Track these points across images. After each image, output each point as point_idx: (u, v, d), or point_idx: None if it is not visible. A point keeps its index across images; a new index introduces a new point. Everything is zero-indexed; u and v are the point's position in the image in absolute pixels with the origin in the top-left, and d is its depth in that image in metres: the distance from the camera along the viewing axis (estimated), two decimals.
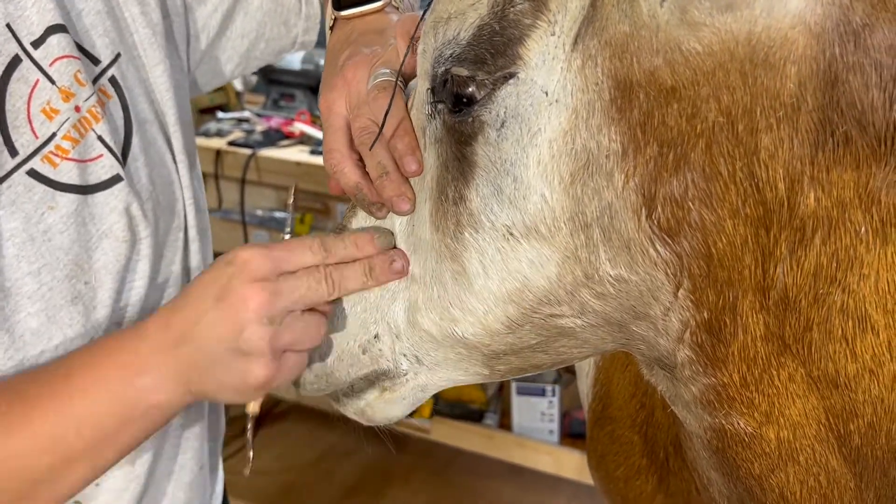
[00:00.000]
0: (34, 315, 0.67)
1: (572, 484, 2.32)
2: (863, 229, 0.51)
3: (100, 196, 0.70)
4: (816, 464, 0.60)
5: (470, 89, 0.54)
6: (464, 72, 0.53)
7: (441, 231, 0.59)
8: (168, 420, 0.66)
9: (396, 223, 0.64)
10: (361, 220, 0.67)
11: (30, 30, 0.66)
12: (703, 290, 0.53)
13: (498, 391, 2.46)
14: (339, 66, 0.70)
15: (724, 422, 0.58)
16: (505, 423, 2.37)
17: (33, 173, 0.66)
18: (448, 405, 2.39)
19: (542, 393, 2.29)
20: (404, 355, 0.65)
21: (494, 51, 0.53)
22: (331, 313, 0.65)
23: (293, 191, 0.74)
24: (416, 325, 0.63)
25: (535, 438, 2.29)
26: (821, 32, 0.47)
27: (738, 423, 0.58)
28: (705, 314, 0.54)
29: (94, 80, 0.71)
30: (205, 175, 2.53)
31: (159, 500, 0.81)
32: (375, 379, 0.67)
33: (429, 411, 2.38)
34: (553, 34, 0.52)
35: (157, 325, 0.63)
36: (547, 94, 0.53)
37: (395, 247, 0.64)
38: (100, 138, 0.69)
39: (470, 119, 0.55)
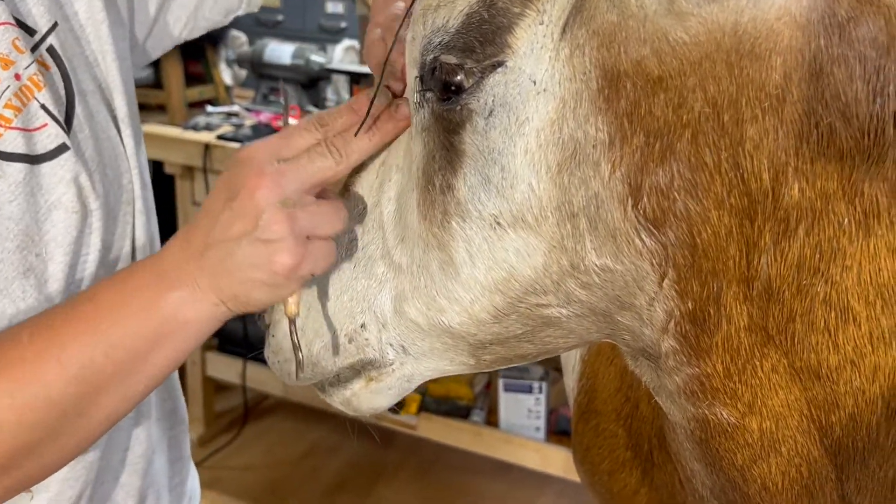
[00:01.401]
0: None
1: (559, 480, 2.32)
2: (846, 221, 0.51)
3: (47, 166, 0.68)
4: (798, 455, 0.60)
5: (458, 77, 0.54)
6: (452, 60, 0.54)
7: (428, 220, 0.59)
8: (201, 338, 0.64)
9: (384, 212, 0.64)
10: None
11: None
12: (688, 280, 0.54)
13: (485, 388, 2.46)
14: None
15: (707, 412, 0.59)
16: (492, 420, 2.37)
17: None
18: (435, 402, 2.39)
19: (530, 390, 2.30)
20: (391, 345, 0.65)
21: (483, 39, 0.53)
22: (317, 302, 0.65)
23: (284, 89, 0.74)
24: (402, 315, 0.64)
25: (521, 435, 2.30)
26: (806, 24, 0.48)
27: (721, 414, 0.58)
28: (690, 304, 0.54)
29: (33, 50, 0.69)
30: (193, 169, 2.53)
31: (112, 489, 0.80)
32: (361, 368, 0.67)
33: (416, 408, 2.38)
34: (542, 23, 0.52)
35: (177, 243, 0.62)
36: (535, 83, 0.53)
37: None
38: (43, 107, 0.68)
39: (458, 107, 0.55)
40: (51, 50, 0.71)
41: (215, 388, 2.70)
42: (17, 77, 0.67)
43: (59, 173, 0.68)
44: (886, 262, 0.53)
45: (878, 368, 0.56)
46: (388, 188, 0.64)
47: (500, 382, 2.31)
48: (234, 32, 2.76)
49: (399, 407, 2.23)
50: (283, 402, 2.76)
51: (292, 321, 0.64)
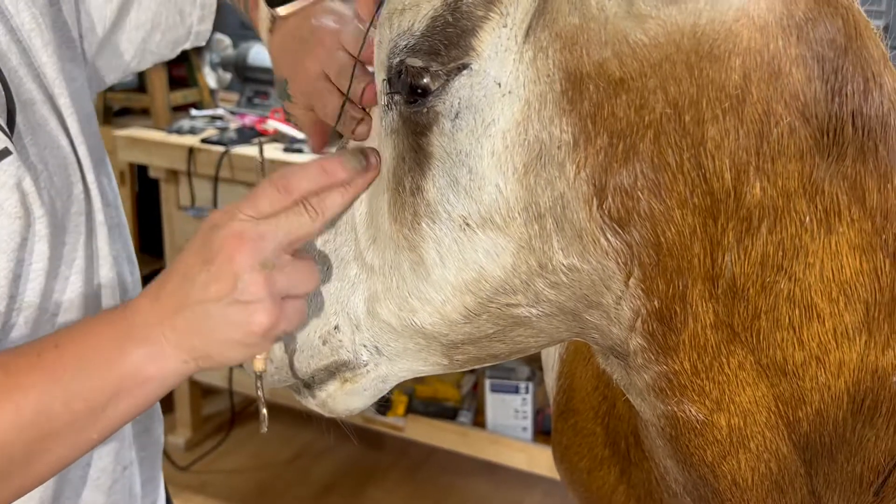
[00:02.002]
0: None
1: (546, 480, 2.33)
2: (807, 219, 0.52)
3: None
4: (767, 450, 0.61)
5: (424, 80, 0.54)
6: (418, 62, 0.54)
7: (399, 222, 0.60)
8: (162, 393, 0.64)
9: (356, 214, 0.65)
10: None
11: None
12: (653, 278, 0.54)
13: (472, 389, 2.47)
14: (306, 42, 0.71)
15: (676, 409, 0.59)
16: (479, 421, 2.38)
17: None
18: (422, 403, 2.40)
19: (516, 390, 2.31)
20: (364, 346, 0.66)
21: (448, 42, 0.53)
22: None
23: (260, 146, 0.75)
24: (375, 316, 0.64)
25: (508, 435, 2.30)
26: (764, 25, 0.49)
27: (690, 411, 0.59)
28: (656, 303, 0.55)
29: None
30: (178, 173, 2.52)
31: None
32: (336, 370, 0.68)
33: (403, 409, 2.39)
34: (505, 26, 0.53)
35: (147, 300, 0.62)
36: (500, 85, 0.53)
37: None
38: None
39: (425, 110, 0.55)
40: None
41: (202, 392, 2.70)
42: None
43: (1, 178, 0.67)
44: (848, 259, 0.53)
45: (842, 364, 0.56)
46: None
47: (487, 383, 2.31)
48: (219, 36, 2.76)
49: (386, 409, 2.22)
50: (271, 406, 2.75)
51: (259, 377, 0.66)
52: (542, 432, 2.32)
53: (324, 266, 0.66)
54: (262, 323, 0.59)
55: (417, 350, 0.64)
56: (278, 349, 0.68)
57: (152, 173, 2.44)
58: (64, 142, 0.75)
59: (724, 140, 0.50)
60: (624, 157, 0.51)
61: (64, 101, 0.76)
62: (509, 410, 2.32)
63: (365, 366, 0.67)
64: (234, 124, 2.49)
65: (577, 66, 0.51)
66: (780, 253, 0.53)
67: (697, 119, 0.50)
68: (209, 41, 2.88)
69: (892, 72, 0.53)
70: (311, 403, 0.72)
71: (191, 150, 2.33)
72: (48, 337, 0.64)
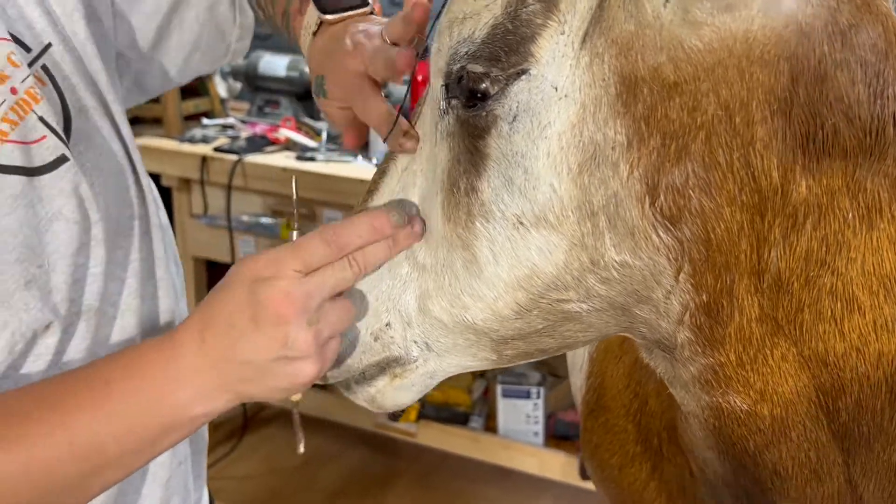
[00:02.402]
0: None
1: (557, 485, 2.35)
2: (850, 215, 0.55)
3: (46, 178, 0.68)
4: (807, 440, 0.63)
5: (484, 85, 0.57)
6: (478, 68, 0.57)
7: (452, 221, 0.62)
8: (205, 423, 0.68)
9: None
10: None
11: None
12: (703, 273, 0.57)
13: (483, 394, 2.49)
14: (345, 46, 0.73)
15: (721, 400, 0.62)
16: (490, 426, 2.40)
17: None
18: (434, 409, 2.41)
19: (528, 395, 2.32)
20: (415, 342, 0.68)
21: (508, 48, 0.56)
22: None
23: (294, 183, 0.75)
24: (427, 313, 0.66)
25: (520, 440, 2.32)
26: (811, 32, 0.51)
27: (735, 402, 0.61)
28: (704, 297, 0.57)
29: (30, 66, 0.70)
30: (190, 181, 2.54)
31: (135, 500, 0.81)
32: (386, 366, 0.70)
33: (415, 415, 2.40)
34: (563, 33, 0.56)
35: (191, 339, 0.64)
36: (557, 89, 0.56)
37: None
38: (41, 119, 0.69)
39: (483, 113, 0.58)
40: (45, 68, 0.71)
41: None
42: (14, 91, 0.67)
43: (58, 185, 0.69)
44: (888, 253, 0.56)
45: (881, 355, 0.59)
46: (411, 193, 0.66)
47: (499, 388, 2.33)
48: None
49: (398, 415, 2.24)
50: (282, 412, 2.78)
51: (296, 406, 0.70)
52: (553, 437, 2.34)
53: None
54: (308, 374, 0.63)
55: (467, 346, 0.67)
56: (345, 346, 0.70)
57: (165, 182, 2.46)
58: (117, 147, 0.77)
59: (772, 140, 0.53)
60: (676, 157, 0.54)
61: (116, 108, 0.79)
62: (520, 415, 2.34)
63: (415, 361, 0.69)
64: (245, 133, 2.51)
65: (632, 70, 0.54)
66: (824, 248, 0.55)
67: (747, 120, 0.53)
68: None
69: None
70: (360, 399, 0.74)
71: (204, 159, 2.36)
72: (97, 370, 0.66)
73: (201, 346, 0.63)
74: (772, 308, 0.58)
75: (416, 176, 0.66)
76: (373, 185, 0.69)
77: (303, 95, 2.61)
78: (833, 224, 0.55)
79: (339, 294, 0.65)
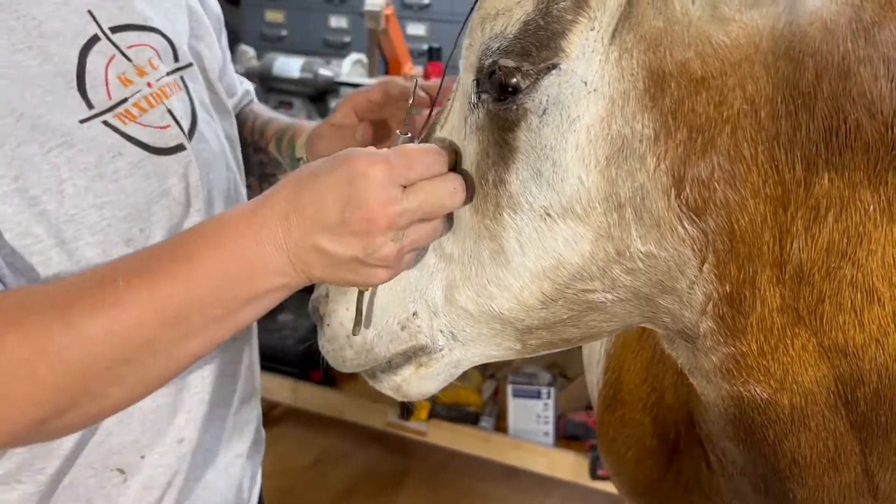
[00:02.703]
0: (92, 245, 0.72)
1: (566, 485, 2.36)
2: (871, 208, 0.56)
3: (164, 159, 0.78)
4: (826, 430, 0.64)
5: (515, 79, 0.58)
6: (510, 63, 0.58)
7: (480, 213, 0.64)
8: (282, 299, 0.69)
9: None
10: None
11: (110, 21, 0.78)
12: (726, 264, 0.58)
13: (494, 394, 2.50)
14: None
15: (741, 389, 0.63)
16: (501, 426, 2.41)
17: (107, 124, 0.75)
18: (445, 408, 2.43)
19: (538, 395, 2.34)
20: (441, 331, 0.70)
21: (539, 44, 0.58)
22: (372, 292, 0.70)
23: (415, 84, 0.76)
24: (453, 303, 0.68)
25: (530, 440, 2.33)
26: (835, 28, 0.53)
27: (755, 391, 0.63)
28: (727, 287, 0.59)
29: (170, 73, 0.82)
30: None
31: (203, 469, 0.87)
32: (413, 354, 0.72)
33: (426, 414, 2.42)
34: (593, 29, 0.57)
35: (276, 216, 0.64)
36: (586, 83, 0.57)
37: None
38: (170, 111, 0.80)
39: (514, 107, 0.59)
40: (182, 79, 0.84)
41: None
42: (150, 85, 0.79)
43: (173, 167, 0.78)
44: None
45: None
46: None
47: (509, 389, 2.35)
48: (243, 47, 2.82)
49: (409, 414, 2.25)
50: (293, 411, 2.79)
51: (362, 294, 0.70)
52: (563, 437, 2.35)
53: None
54: (380, 279, 0.65)
55: (492, 335, 0.68)
56: (359, 336, 0.71)
57: None
58: (227, 148, 0.89)
59: (796, 134, 0.54)
60: (702, 150, 0.55)
61: (229, 122, 0.91)
62: (531, 415, 2.35)
63: (440, 351, 0.71)
64: None
65: (661, 65, 0.55)
66: (845, 240, 0.57)
67: (772, 115, 0.54)
68: (235, 53, 2.92)
69: None
70: (385, 388, 0.76)
71: None
72: (181, 243, 0.68)
73: (285, 225, 0.64)
74: (793, 298, 0.59)
75: None
76: None
77: (316, 97, 2.64)
78: (854, 216, 0.56)
79: None
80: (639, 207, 0.58)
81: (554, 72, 0.58)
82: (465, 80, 0.64)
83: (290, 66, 2.66)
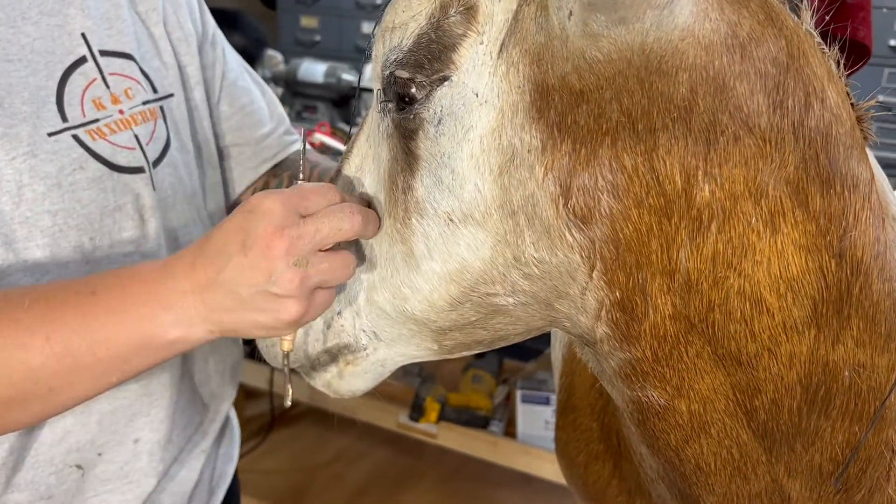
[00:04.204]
0: (41, 248, 0.77)
1: None
2: (753, 219, 0.57)
3: (124, 177, 0.83)
4: (728, 437, 0.65)
5: (412, 90, 0.61)
6: (405, 74, 0.61)
7: (392, 217, 0.67)
8: (183, 352, 0.69)
9: None
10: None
11: (101, 44, 0.84)
12: (614, 271, 0.60)
13: (504, 399, 2.51)
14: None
15: (640, 394, 0.65)
16: (510, 431, 2.42)
17: (76, 138, 0.80)
18: (455, 411, 2.45)
19: (547, 402, 2.34)
20: (363, 331, 0.72)
21: (431, 56, 0.60)
22: None
23: (304, 135, 0.81)
24: (373, 303, 0.71)
25: (538, 446, 2.34)
26: (709, 44, 0.54)
27: (653, 396, 0.64)
28: (617, 294, 0.60)
29: (147, 102, 0.88)
30: None
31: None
32: (338, 353, 0.74)
33: (436, 417, 2.44)
34: (482, 43, 0.59)
35: (183, 264, 0.66)
36: (477, 95, 0.60)
37: None
38: (136, 137, 0.85)
39: (412, 116, 0.62)
40: (162, 109, 0.90)
41: (244, 394, 2.80)
42: (121, 112, 0.85)
43: (130, 185, 0.83)
44: (794, 257, 0.58)
45: (793, 356, 0.61)
46: (362, 191, 0.71)
47: (518, 394, 2.36)
48: (270, 52, 2.88)
49: (418, 415, 2.27)
50: (311, 410, 2.84)
51: (286, 355, 0.70)
52: None
53: None
54: (290, 314, 0.64)
55: (410, 336, 0.71)
56: (300, 332, 0.75)
57: None
58: (196, 184, 0.96)
59: (673, 147, 0.56)
60: (586, 161, 0.57)
61: (210, 154, 1.01)
62: (539, 421, 2.36)
63: (364, 349, 0.73)
64: None
65: (544, 79, 0.57)
66: (730, 250, 0.58)
67: (649, 127, 0.56)
68: (261, 57, 2.97)
69: (836, 87, 0.58)
70: (318, 384, 0.79)
71: None
72: (88, 280, 0.69)
73: (190, 271, 0.65)
74: (684, 307, 0.60)
75: (365, 174, 0.71)
76: (332, 182, 0.74)
77: (339, 101, 2.69)
78: (737, 227, 0.57)
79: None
80: (531, 215, 0.60)
81: (446, 83, 0.60)
82: (374, 89, 0.67)
83: (314, 70, 2.72)
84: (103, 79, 0.84)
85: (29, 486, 0.82)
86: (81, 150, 0.80)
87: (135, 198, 0.84)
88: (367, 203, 0.69)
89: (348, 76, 2.70)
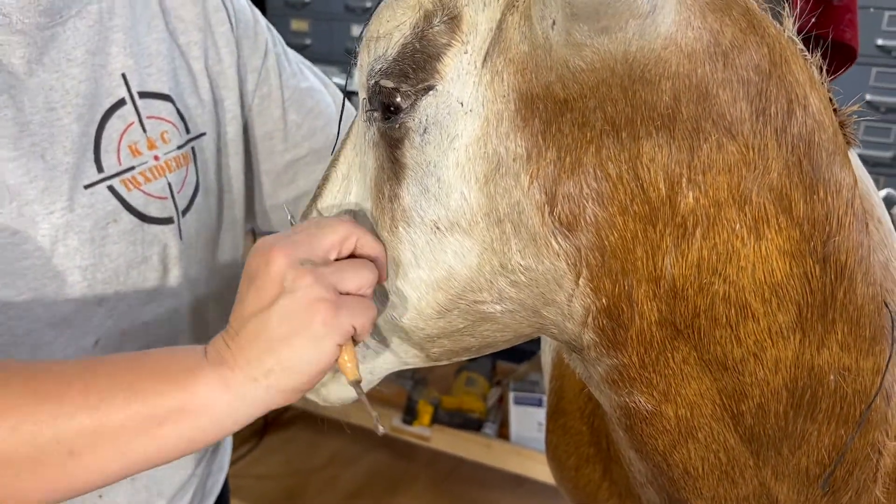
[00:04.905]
0: (69, 303, 0.77)
1: None
2: (737, 226, 0.58)
3: (154, 227, 0.83)
4: (715, 441, 0.66)
5: (397, 99, 0.61)
6: (390, 84, 0.61)
7: (380, 226, 0.67)
8: (241, 423, 0.61)
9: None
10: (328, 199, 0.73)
11: (140, 85, 0.83)
12: (600, 278, 0.60)
13: (497, 401, 2.52)
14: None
15: (627, 400, 0.65)
16: (504, 433, 2.42)
17: (111, 189, 0.80)
18: (448, 414, 2.45)
19: (540, 403, 2.35)
20: None
21: (415, 66, 0.60)
22: None
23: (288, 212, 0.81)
24: None
25: (532, 448, 2.34)
26: (692, 52, 0.54)
27: (640, 401, 0.64)
28: (604, 300, 0.61)
29: (181, 146, 0.87)
30: None
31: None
32: None
33: (429, 419, 2.44)
34: (466, 52, 0.60)
35: (217, 341, 0.62)
36: (462, 104, 0.60)
37: None
38: (169, 185, 0.85)
39: (397, 125, 0.62)
40: (193, 150, 0.89)
41: None
42: (157, 158, 0.84)
43: (159, 236, 0.84)
44: (778, 263, 0.59)
45: (779, 361, 0.61)
46: (348, 199, 0.71)
47: (511, 396, 2.36)
48: None
49: (411, 418, 2.28)
50: (304, 414, 2.84)
51: (357, 384, 0.64)
52: None
53: None
54: (319, 307, 0.58)
55: (398, 343, 0.71)
56: None
57: None
58: (214, 225, 0.95)
59: (657, 154, 0.56)
60: (570, 170, 0.58)
61: (238, 194, 1.00)
62: (533, 423, 2.36)
63: None
64: None
65: (528, 88, 0.57)
66: (715, 257, 0.58)
67: (633, 135, 0.56)
68: None
69: (819, 93, 0.59)
70: (308, 393, 0.79)
71: None
72: (129, 367, 0.62)
73: (222, 338, 0.61)
74: (670, 313, 0.61)
75: (352, 183, 0.71)
76: (317, 192, 0.74)
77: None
78: (722, 234, 0.58)
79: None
80: (517, 223, 0.60)
81: (431, 93, 0.61)
82: (360, 98, 0.67)
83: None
84: (140, 122, 0.83)
85: None
86: (116, 203, 0.80)
87: (162, 248, 0.84)
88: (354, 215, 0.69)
89: (339, 80, 2.70)
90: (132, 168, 0.82)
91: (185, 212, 0.87)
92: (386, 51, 0.62)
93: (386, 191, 0.65)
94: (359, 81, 0.66)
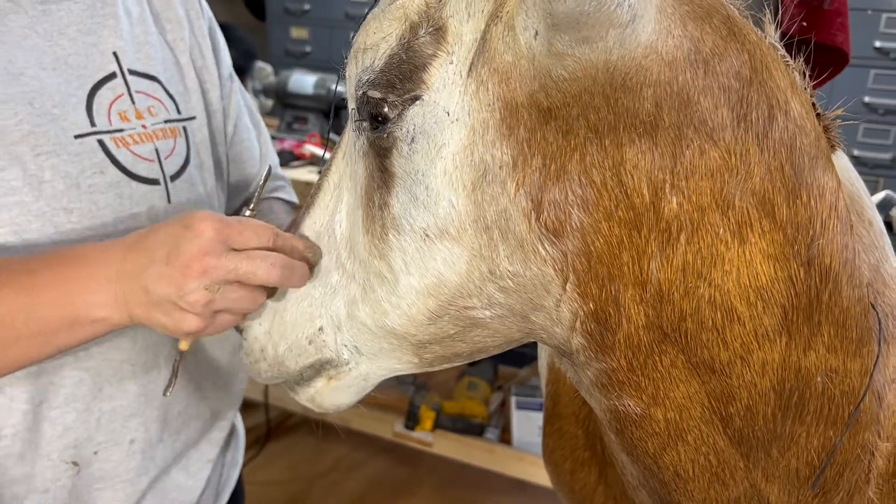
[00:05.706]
0: (49, 242, 0.80)
1: None
2: (721, 230, 0.58)
3: (141, 186, 0.88)
4: (705, 443, 0.66)
5: (384, 109, 0.62)
6: (377, 94, 0.62)
7: (370, 234, 0.68)
8: (106, 333, 0.76)
9: (337, 228, 0.73)
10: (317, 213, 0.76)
11: (130, 64, 0.91)
12: (587, 283, 0.61)
13: (500, 406, 2.52)
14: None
15: (616, 403, 0.66)
16: (506, 438, 2.43)
17: (101, 143, 0.86)
18: (450, 419, 2.46)
19: (541, 408, 2.35)
20: (345, 346, 0.73)
21: (402, 76, 0.61)
22: (282, 308, 0.74)
23: (266, 172, 0.84)
24: (354, 318, 0.71)
25: (534, 452, 2.35)
26: (672, 61, 0.55)
27: (629, 405, 0.65)
28: (591, 305, 0.61)
29: (169, 121, 0.94)
30: None
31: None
32: (321, 367, 0.75)
33: (431, 425, 2.45)
34: (451, 63, 0.61)
35: (117, 254, 0.73)
36: (448, 113, 0.61)
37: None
38: (156, 150, 0.91)
39: (386, 135, 0.63)
40: (185, 129, 0.96)
41: (241, 405, 2.80)
42: (144, 127, 0.91)
43: (147, 196, 0.89)
44: (762, 267, 0.59)
45: (766, 363, 0.62)
46: (340, 207, 0.72)
47: (513, 400, 2.37)
48: (261, 64, 2.90)
49: (414, 424, 2.28)
50: (307, 421, 2.85)
51: (180, 353, 0.79)
52: None
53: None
54: (190, 327, 0.72)
55: (391, 349, 0.72)
56: (271, 348, 0.75)
57: None
58: (213, 197, 1.02)
59: (640, 161, 0.57)
60: (556, 177, 0.58)
61: (220, 172, 1.06)
62: (535, 428, 2.37)
63: (347, 364, 0.74)
64: (275, 147, 2.60)
65: (513, 97, 0.58)
66: (699, 261, 0.59)
67: (616, 143, 0.57)
68: (252, 69, 2.98)
69: (800, 99, 0.59)
70: (302, 399, 0.80)
71: None
72: (33, 257, 0.75)
73: (120, 263, 0.73)
74: (656, 317, 0.61)
75: (343, 192, 0.72)
76: (310, 200, 0.75)
77: (329, 113, 2.70)
78: (706, 238, 0.58)
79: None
80: (504, 229, 0.61)
81: (418, 102, 0.61)
82: (349, 108, 0.68)
83: (304, 82, 2.73)
84: (130, 95, 0.90)
85: (27, 479, 0.85)
86: (103, 156, 0.85)
87: (149, 208, 0.89)
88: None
89: (339, 87, 2.71)
90: (121, 130, 0.88)
91: (173, 178, 0.92)
92: (373, 62, 0.63)
93: (376, 199, 0.66)
94: (347, 92, 0.67)
